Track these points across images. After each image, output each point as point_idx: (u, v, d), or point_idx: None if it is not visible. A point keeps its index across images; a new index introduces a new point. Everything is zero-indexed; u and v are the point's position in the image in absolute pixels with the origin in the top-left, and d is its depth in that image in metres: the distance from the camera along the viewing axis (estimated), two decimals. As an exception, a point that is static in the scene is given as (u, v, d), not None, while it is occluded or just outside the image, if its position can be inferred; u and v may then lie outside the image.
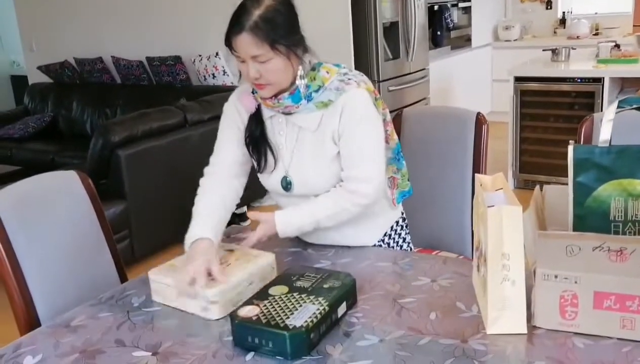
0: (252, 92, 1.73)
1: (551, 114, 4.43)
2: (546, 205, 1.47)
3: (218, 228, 1.71)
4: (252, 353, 1.32)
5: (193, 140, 4.09)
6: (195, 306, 1.50)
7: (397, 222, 1.92)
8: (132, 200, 3.71)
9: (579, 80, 4.24)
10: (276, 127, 1.77)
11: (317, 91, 1.67)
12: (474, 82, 6.61)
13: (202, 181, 1.88)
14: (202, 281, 1.48)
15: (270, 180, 1.81)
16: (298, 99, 1.67)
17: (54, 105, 5.89)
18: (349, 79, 1.69)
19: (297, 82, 1.65)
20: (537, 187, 1.46)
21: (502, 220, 1.25)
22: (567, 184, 1.39)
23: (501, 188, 1.42)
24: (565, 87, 4.32)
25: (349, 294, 1.45)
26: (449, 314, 1.43)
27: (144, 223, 3.79)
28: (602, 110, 4.14)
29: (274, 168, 1.78)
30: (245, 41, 1.57)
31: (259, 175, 1.84)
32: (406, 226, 1.96)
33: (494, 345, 1.29)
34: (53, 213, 1.80)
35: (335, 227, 1.77)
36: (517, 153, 4.57)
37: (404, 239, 1.94)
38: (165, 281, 1.57)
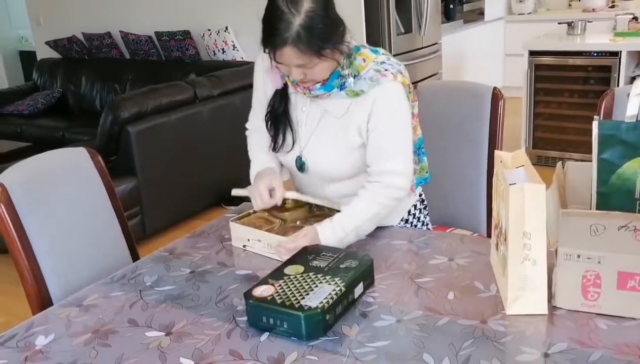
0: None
1: (566, 89, 4.35)
2: (567, 182, 1.43)
3: (277, 166, 1.81)
4: (267, 333, 1.30)
5: (203, 116, 4.06)
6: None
7: (415, 206, 1.88)
8: (143, 177, 3.69)
9: (595, 54, 4.16)
10: (299, 104, 1.72)
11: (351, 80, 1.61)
12: (486, 56, 6.52)
13: (249, 134, 1.94)
14: (265, 195, 1.68)
15: (285, 158, 1.78)
16: (330, 88, 1.61)
17: (62, 80, 5.86)
18: (385, 70, 1.61)
19: (342, 72, 1.60)
20: (559, 164, 1.42)
21: (524, 198, 1.21)
22: (583, 160, 1.35)
23: (522, 165, 1.38)
24: (580, 61, 4.24)
25: (366, 274, 1.42)
26: (467, 294, 1.40)
27: (155, 200, 3.78)
28: (618, 85, 4.06)
29: (291, 148, 1.74)
30: (289, 54, 1.49)
31: (275, 153, 1.80)
32: (425, 209, 1.93)
33: (514, 326, 1.26)
34: (63, 190, 1.78)
35: None
36: (530, 129, 4.51)
37: (423, 222, 1.90)
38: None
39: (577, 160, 4.04)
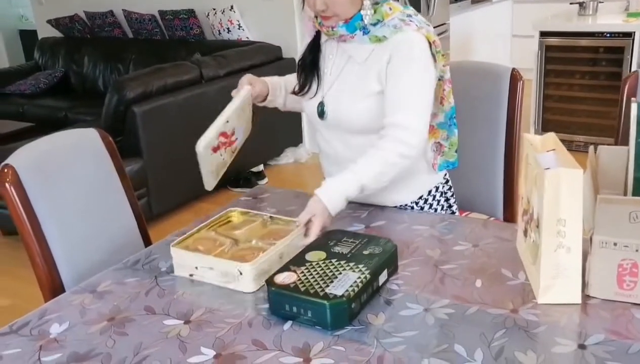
0: (315, 17, 1.68)
1: (577, 71, 4.29)
2: (600, 167, 1.38)
3: (272, 82, 1.86)
4: (289, 322, 1.25)
5: (209, 96, 3.99)
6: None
7: (437, 188, 1.83)
8: (149, 158, 3.63)
9: (607, 35, 4.09)
10: (327, 52, 1.74)
11: (374, 25, 1.60)
12: (493, 37, 6.43)
13: None
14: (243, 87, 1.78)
15: (308, 104, 1.78)
16: (353, 29, 1.61)
17: (64, 60, 5.78)
18: (411, 21, 1.61)
19: (363, 12, 1.59)
20: (592, 148, 1.36)
21: (560, 184, 1.16)
22: (594, 143, 1.30)
23: (553, 149, 1.32)
24: (592, 42, 4.17)
25: (390, 261, 1.37)
26: (495, 281, 1.35)
27: (161, 181, 3.72)
28: (631, 67, 4.00)
29: (315, 95, 1.75)
30: None
31: (298, 97, 1.82)
32: (449, 189, 1.87)
33: (547, 315, 1.21)
34: (73, 172, 1.73)
35: None
36: (539, 111, 4.45)
37: (442, 206, 1.85)
38: None
39: (588, 143, 3.99)
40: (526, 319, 1.21)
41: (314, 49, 1.77)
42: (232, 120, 1.70)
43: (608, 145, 1.47)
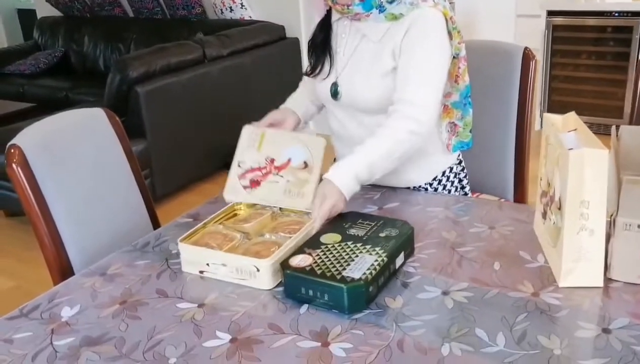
0: None
1: (584, 51, 4.24)
2: (621, 147, 1.35)
3: (302, 109, 1.84)
4: (306, 305, 1.23)
5: (213, 76, 3.95)
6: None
7: (451, 169, 1.80)
8: (153, 138, 3.60)
9: (616, 14, 4.03)
10: (339, 31, 1.70)
11: (390, 3, 1.56)
12: (497, 17, 6.34)
13: (301, 85, 1.95)
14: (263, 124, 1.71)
15: (321, 85, 1.74)
16: (369, 7, 1.56)
17: (64, 39, 5.71)
18: None
19: None
20: (614, 128, 1.33)
21: (584, 165, 1.13)
22: (601, 125, 1.26)
23: (574, 129, 1.29)
24: (600, 21, 4.12)
25: (406, 244, 1.35)
26: (514, 264, 1.33)
27: (165, 162, 3.69)
28: (639, 47, 3.95)
29: (328, 75, 1.71)
30: None
31: (311, 78, 1.78)
32: (462, 171, 1.85)
33: (569, 299, 1.19)
34: (81, 152, 1.70)
35: None
36: (546, 91, 4.41)
37: (456, 188, 1.82)
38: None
39: (592, 125, 3.95)
40: (547, 302, 1.18)
41: (324, 28, 1.73)
42: (248, 158, 1.65)
43: (616, 126, 1.44)
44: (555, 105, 4.41)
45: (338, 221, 1.42)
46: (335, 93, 1.69)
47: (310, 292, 1.22)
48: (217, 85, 3.98)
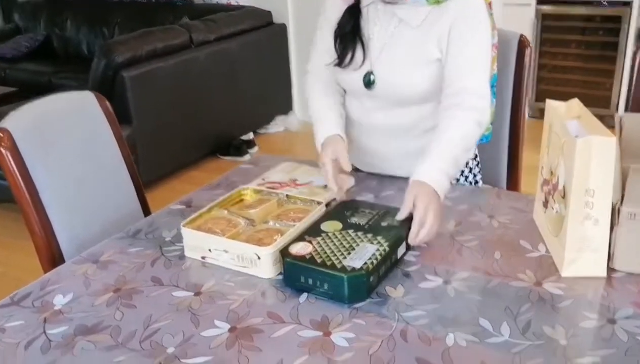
0: None
1: (572, 40, 4.24)
2: (624, 135, 1.34)
3: (341, 123, 1.64)
4: (305, 294, 1.20)
5: (199, 62, 3.90)
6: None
7: (467, 163, 1.75)
8: (139, 124, 3.54)
9: (605, 3, 4.03)
10: (371, 16, 1.58)
11: None
12: (484, 5, 6.33)
13: (310, 82, 1.75)
14: (328, 168, 1.48)
15: (351, 76, 1.61)
16: None
17: (46, 23, 5.60)
18: None
19: None
20: (617, 115, 1.32)
21: (591, 153, 1.12)
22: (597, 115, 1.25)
23: (578, 116, 1.28)
24: (589, 10, 4.11)
25: (408, 234, 1.32)
26: (515, 254, 1.31)
27: (151, 148, 3.64)
28: (628, 37, 3.96)
29: (361, 65, 1.58)
30: None
31: (333, 68, 1.64)
32: (477, 166, 1.79)
33: (572, 289, 1.18)
34: (70, 137, 1.65)
35: (387, 158, 1.64)
36: (534, 81, 4.40)
37: (471, 183, 1.78)
38: None
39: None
40: (551, 292, 1.17)
41: (353, 14, 1.59)
42: (273, 176, 1.66)
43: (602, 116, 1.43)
44: (543, 95, 4.40)
45: (339, 209, 1.40)
46: (369, 83, 1.58)
47: (310, 281, 1.19)
48: (204, 70, 3.93)
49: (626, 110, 1.84)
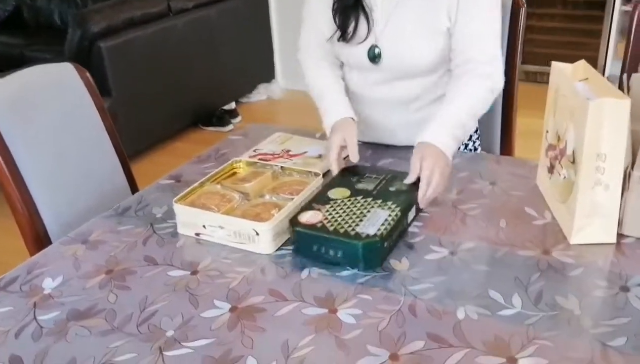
0: None
1: (559, 1, 4.18)
2: (631, 96, 1.29)
3: (347, 98, 1.56)
4: (306, 270, 1.16)
5: (178, 30, 3.78)
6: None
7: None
8: (118, 96, 3.43)
9: (590, -38, 3.97)
10: None
11: None
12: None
13: (303, 59, 1.67)
14: (334, 152, 1.40)
15: (354, 50, 1.54)
16: None
17: (15, -8, 5.41)
18: None
19: None
20: (625, 76, 1.27)
21: (604, 116, 1.07)
22: None
23: (586, 78, 1.23)
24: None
25: (417, 198, 1.29)
26: (520, 221, 1.27)
27: (131, 121, 3.53)
28: (614, -4, 3.91)
29: (365, 38, 1.51)
30: None
31: (334, 43, 1.56)
32: (475, 131, 1.75)
33: (582, 257, 1.14)
34: (51, 110, 1.57)
35: (387, 129, 1.59)
36: (521, 43, 4.33)
37: (471, 150, 1.74)
38: None
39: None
40: (560, 261, 1.14)
41: None
42: (265, 148, 1.63)
43: (628, 74, 1.38)
44: (529, 58, 4.34)
45: (345, 176, 1.37)
46: (375, 57, 1.51)
47: (323, 249, 1.16)
48: (183, 39, 3.82)
49: (623, 70, 1.80)
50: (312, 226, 1.17)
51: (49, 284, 1.17)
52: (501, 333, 0.97)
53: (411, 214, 1.27)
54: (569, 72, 1.25)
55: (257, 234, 1.20)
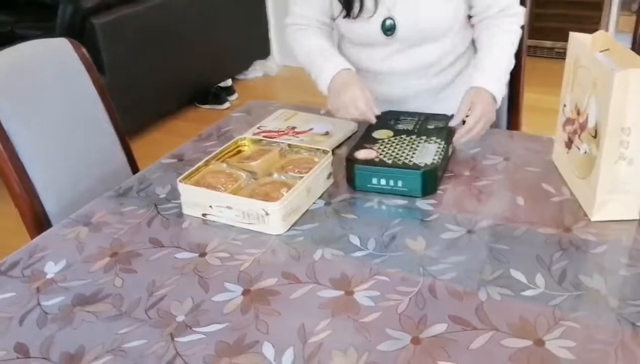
0: None
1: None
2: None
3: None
4: (320, 251, 1.11)
5: (173, 7, 3.70)
6: None
7: None
8: (112, 74, 3.35)
9: None
10: None
11: None
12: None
13: (290, 31, 1.61)
14: (362, 103, 1.40)
15: (365, 26, 1.48)
16: None
17: (2, -33, 5.29)
18: None
19: None
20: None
21: (629, 88, 1.03)
22: None
23: (607, 49, 1.18)
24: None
25: (453, 132, 1.39)
26: (538, 198, 1.24)
27: (126, 99, 3.45)
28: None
29: (374, 13, 1.46)
30: None
31: (342, 21, 1.51)
32: None
33: (604, 235, 1.11)
34: (47, 88, 1.51)
35: (400, 100, 1.55)
36: (531, 17, 4.26)
37: None
38: None
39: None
40: (582, 238, 1.10)
41: None
42: (270, 125, 1.61)
43: None
44: (537, 32, 4.25)
45: (382, 119, 1.44)
46: (389, 29, 1.46)
47: (383, 181, 1.26)
48: (177, 15, 3.74)
49: (634, 37, 1.75)
50: (370, 161, 1.27)
51: (51, 268, 1.13)
52: (526, 314, 0.93)
53: (451, 148, 1.38)
54: (589, 42, 1.20)
55: (267, 214, 1.16)
